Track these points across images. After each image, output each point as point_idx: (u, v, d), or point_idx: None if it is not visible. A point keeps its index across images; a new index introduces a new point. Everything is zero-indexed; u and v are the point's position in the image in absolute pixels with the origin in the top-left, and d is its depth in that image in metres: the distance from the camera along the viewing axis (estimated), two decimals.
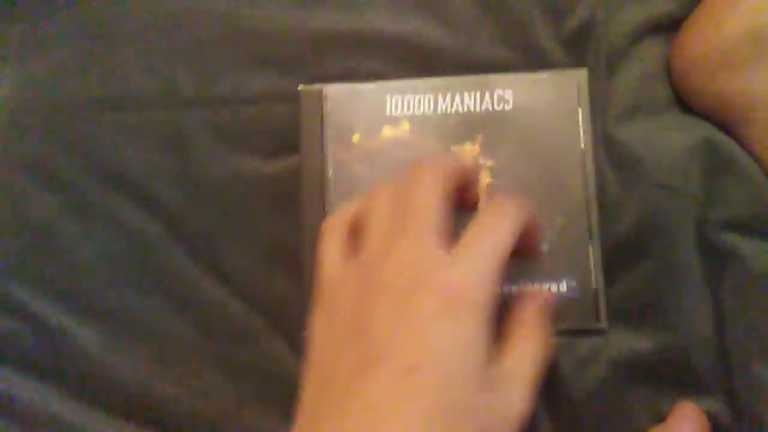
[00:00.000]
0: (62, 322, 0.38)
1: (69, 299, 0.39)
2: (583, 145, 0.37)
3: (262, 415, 0.37)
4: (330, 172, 0.38)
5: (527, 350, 0.30)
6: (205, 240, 0.39)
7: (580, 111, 0.37)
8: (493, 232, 0.29)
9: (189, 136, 0.39)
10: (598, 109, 0.37)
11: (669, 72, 0.38)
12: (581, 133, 0.37)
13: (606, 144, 0.37)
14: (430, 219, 0.29)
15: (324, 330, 0.30)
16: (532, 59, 0.38)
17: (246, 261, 0.38)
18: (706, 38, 0.36)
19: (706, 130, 0.36)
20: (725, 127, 0.37)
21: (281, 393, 0.37)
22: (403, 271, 0.28)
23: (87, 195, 0.39)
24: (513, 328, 0.31)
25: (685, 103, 0.38)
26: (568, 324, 0.36)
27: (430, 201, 0.29)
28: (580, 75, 0.37)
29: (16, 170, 0.40)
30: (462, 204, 0.33)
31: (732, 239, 0.35)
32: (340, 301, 0.30)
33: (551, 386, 0.35)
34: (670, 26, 0.38)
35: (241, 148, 0.39)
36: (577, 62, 0.38)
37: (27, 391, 0.38)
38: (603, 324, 0.36)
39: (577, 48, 0.38)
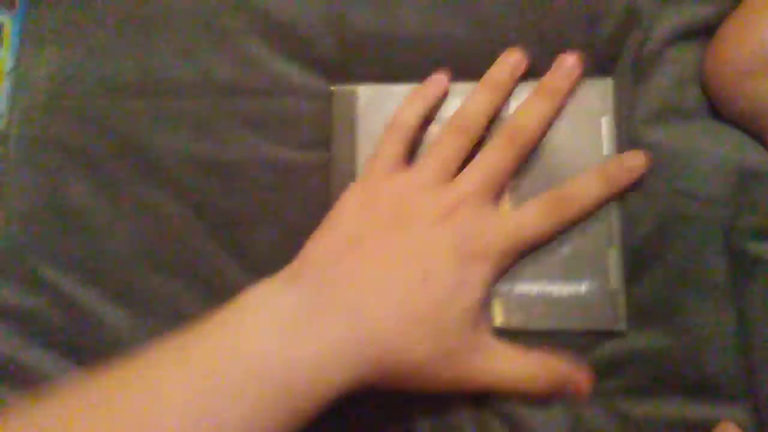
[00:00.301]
0: (92, 302, 0.39)
1: (99, 281, 0.39)
2: (606, 152, 0.37)
3: None
4: (360, 172, 0.38)
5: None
6: (234, 227, 0.39)
7: (603, 120, 0.37)
8: None
9: (222, 124, 0.40)
10: (625, 113, 0.37)
11: (701, 77, 0.38)
12: (604, 141, 0.37)
13: (632, 146, 0.36)
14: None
15: (356, 202, 0.35)
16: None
17: (274, 249, 0.39)
18: (740, 43, 0.36)
19: (737, 136, 0.36)
20: (755, 133, 0.36)
21: None
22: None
23: (120, 179, 0.40)
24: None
25: (716, 108, 0.37)
26: (587, 325, 0.36)
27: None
28: (606, 84, 0.38)
29: (52, 152, 0.41)
30: None
31: (760, 247, 0.35)
32: (382, 191, 0.35)
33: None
34: (703, 32, 0.38)
35: (273, 139, 0.40)
36: (607, 68, 0.38)
37: (56, 370, 0.39)
38: (622, 326, 0.36)
39: (609, 53, 0.38)
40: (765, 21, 0.36)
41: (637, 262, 0.36)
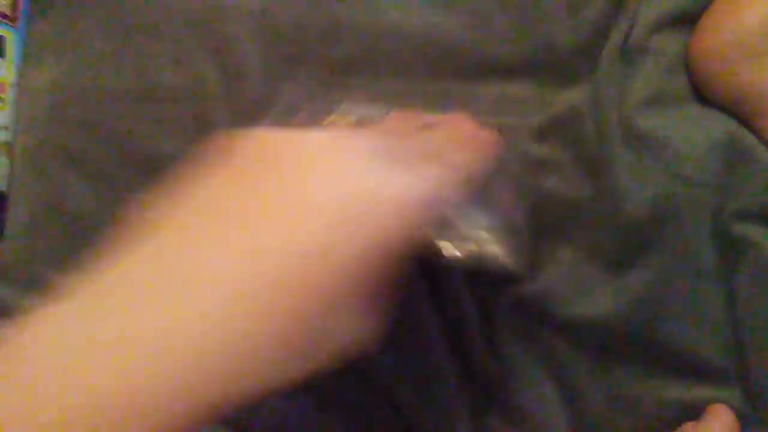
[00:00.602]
0: None
1: None
2: None
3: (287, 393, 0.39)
4: None
5: None
6: None
7: None
8: None
9: (217, 129, 0.41)
10: (615, 99, 0.38)
11: (687, 64, 0.38)
12: None
13: (624, 131, 0.37)
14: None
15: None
16: (544, 55, 0.39)
17: None
18: (724, 29, 0.37)
19: (725, 122, 0.37)
20: (742, 118, 0.37)
21: None
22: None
23: (122, 184, 0.41)
24: None
25: (702, 95, 0.38)
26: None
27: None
28: None
29: (54, 159, 0.41)
30: None
31: (747, 229, 0.35)
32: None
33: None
34: (688, 20, 0.39)
35: None
36: (591, 55, 0.39)
37: None
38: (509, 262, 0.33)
39: (592, 40, 0.39)
40: (745, 9, 0.37)
41: (630, 245, 0.37)
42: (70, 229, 0.41)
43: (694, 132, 0.37)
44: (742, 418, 0.35)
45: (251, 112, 0.41)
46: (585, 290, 0.37)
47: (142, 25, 0.42)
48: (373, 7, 0.40)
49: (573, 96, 0.39)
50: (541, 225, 0.38)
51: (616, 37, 0.38)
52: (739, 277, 0.35)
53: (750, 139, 0.36)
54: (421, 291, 0.37)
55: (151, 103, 0.41)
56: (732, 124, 0.37)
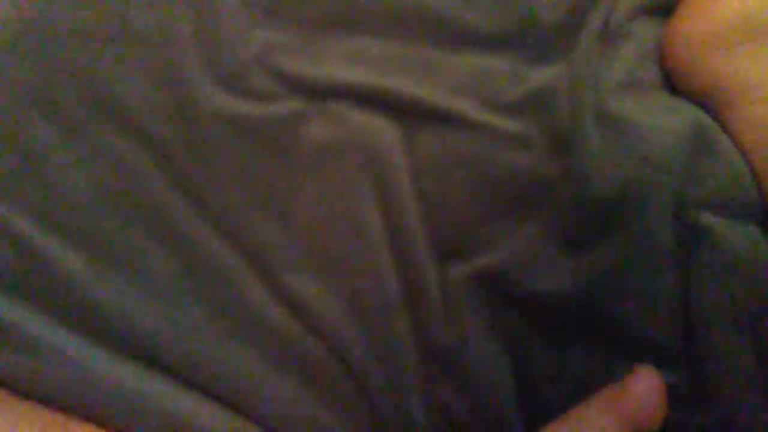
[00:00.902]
0: (49, 246, 0.38)
1: (57, 225, 0.38)
2: None
3: (242, 356, 0.38)
4: None
5: None
6: (195, 179, 0.39)
7: None
8: None
9: (187, 75, 0.39)
10: (590, 80, 0.38)
11: (661, 51, 0.39)
12: None
13: (597, 113, 0.37)
14: None
15: None
16: (524, 30, 0.39)
17: (233, 202, 0.39)
18: (698, 19, 0.37)
19: (695, 112, 0.37)
20: (711, 109, 0.38)
21: (261, 337, 0.38)
22: None
23: (82, 125, 0.39)
24: None
25: (673, 83, 0.39)
26: None
27: None
28: None
29: (12, 95, 0.39)
30: None
31: (707, 218, 0.36)
32: None
33: None
34: (666, 8, 0.39)
35: (237, 91, 0.39)
36: (571, 36, 0.39)
37: (10, 312, 0.38)
38: None
39: (573, 21, 0.39)
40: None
41: (593, 225, 0.37)
42: (27, 164, 0.39)
43: (664, 119, 0.37)
44: (687, 402, 0.36)
45: (221, 60, 0.39)
46: (545, 266, 0.37)
47: None
48: None
49: (549, 73, 0.39)
50: (505, 199, 0.38)
51: (596, 18, 0.38)
52: (695, 264, 0.36)
53: (716, 130, 0.37)
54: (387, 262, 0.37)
55: (116, 44, 0.40)
56: (700, 115, 0.37)
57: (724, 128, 0.37)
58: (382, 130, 0.38)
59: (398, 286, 0.37)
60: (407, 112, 0.39)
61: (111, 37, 0.40)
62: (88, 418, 0.38)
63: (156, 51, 0.40)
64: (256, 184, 0.39)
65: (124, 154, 0.39)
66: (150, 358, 0.38)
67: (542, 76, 0.39)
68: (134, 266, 0.39)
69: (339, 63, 0.39)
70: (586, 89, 0.38)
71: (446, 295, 0.37)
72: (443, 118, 0.38)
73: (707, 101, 0.38)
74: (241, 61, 0.39)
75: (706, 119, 0.37)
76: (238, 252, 0.39)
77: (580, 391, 0.37)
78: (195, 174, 0.39)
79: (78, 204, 0.39)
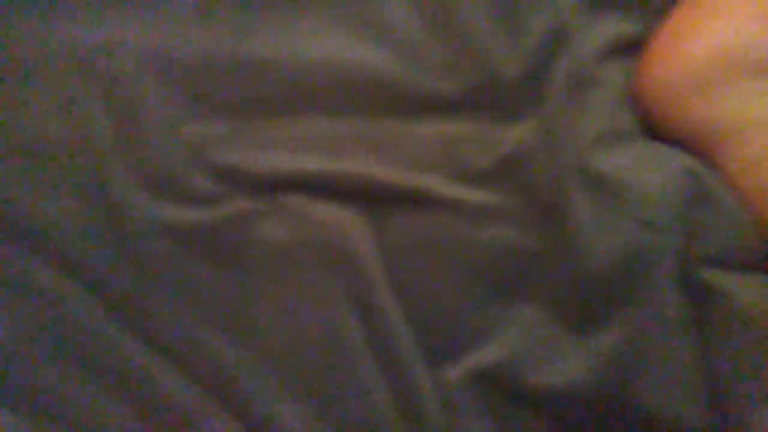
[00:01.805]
0: None
1: None
2: None
3: None
4: None
5: None
6: (135, 304, 0.34)
7: None
8: None
9: (111, 185, 0.34)
10: (569, 137, 0.34)
11: (634, 98, 0.36)
12: None
13: (580, 173, 0.34)
14: None
15: None
16: (484, 88, 0.35)
17: (184, 326, 0.33)
18: (671, 62, 0.35)
19: (684, 159, 0.34)
20: (698, 153, 0.35)
21: None
22: None
23: (5, 260, 0.34)
24: None
25: (653, 129, 0.36)
26: None
27: None
28: None
29: None
30: None
31: (715, 276, 0.33)
32: None
33: None
34: (630, 49, 0.36)
35: (171, 196, 0.34)
36: (538, 79, 0.35)
37: None
38: None
39: (537, 72, 0.35)
40: (690, 39, 0.35)
41: (596, 303, 0.33)
42: None
43: (650, 172, 0.34)
44: None
45: (148, 163, 0.34)
46: (552, 355, 0.33)
47: (16, 67, 0.35)
48: (289, 39, 0.35)
49: (520, 133, 0.35)
50: (493, 280, 0.34)
51: (561, 66, 0.35)
52: (710, 330, 0.33)
53: (709, 177, 0.34)
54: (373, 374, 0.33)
55: (27, 158, 0.34)
56: (688, 161, 0.34)
57: (715, 173, 0.34)
58: (347, 222, 0.34)
59: (388, 399, 0.33)
60: (371, 198, 0.34)
61: (21, 151, 0.34)
62: None
63: (74, 161, 0.34)
64: (207, 301, 0.34)
65: (50, 285, 0.33)
66: None
67: (513, 136, 0.35)
68: (76, 418, 0.33)
69: (286, 150, 0.34)
70: (565, 147, 0.34)
71: (443, 402, 0.33)
72: (410, 199, 0.34)
73: (693, 145, 0.35)
74: (171, 161, 0.34)
75: (696, 166, 0.34)
76: (197, 385, 0.33)
77: None
78: (135, 298, 0.34)
79: (3, 353, 0.33)
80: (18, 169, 0.34)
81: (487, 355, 0.33)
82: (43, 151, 0.34)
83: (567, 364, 0.33)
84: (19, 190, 0.34)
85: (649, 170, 0.34)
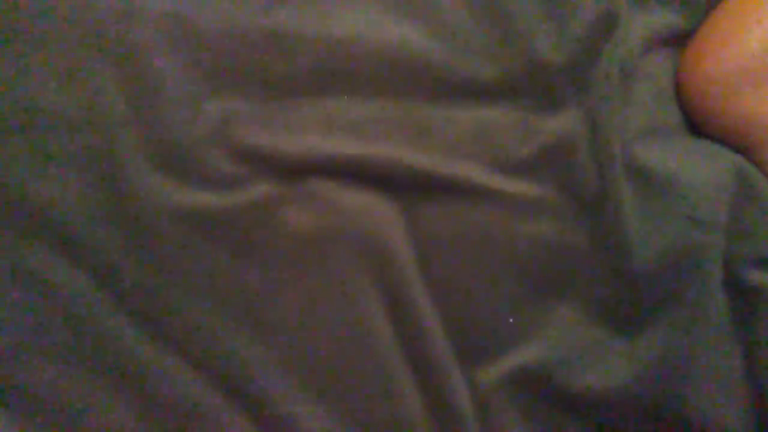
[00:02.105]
0: None
1: None
2: None
3: None
4: None
5: None
6: (145, 295, 0.31)
7: None
8: None
9: (122, 163, 0.31)
10: (616, 129, 0.32)
11: (679, 93, 0.34)
12: None
13: (627, 169, 0.32)
14: None
15: None
16: (527, 74, 0.33)
17: (198, 320, 0.31)
18: (725, 56, 0.33)
19: (732, 157, 0.33)
20: (743, 150, 0.34)
21: None
22: None
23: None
24: None
25: (697, 124, 0.34)
26: None
27: None
28: None
29: None
30: None
31: (758, 277, 0.32)
32: None
33: None
34: (676, 39, 0.35)
35: (188, 178, 0.32)
36: (583, 67, 0.33)
37: None
38: None
39: (582, 60, 0.33)
40: (748, 31, 0.33)
41: (643, 302, 0.32)
42: None
43: (699, 168, 0.32)
44: None
45: (164, 142, 0.31)
46: (593, 358, 0.31)
47: (19, 34, 0.31)
48: (324, 14, 0.32)
49: (564, 122, 0.33)
50: (532, 278, 0.32)
51: (608, 56, 0.33)
52: (755, 332, 0.31)
53: (756, 175, 0.33)
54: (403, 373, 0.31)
55: (28, 132, 0.31)
56: (738, 159, 0.33)
57: (762, 170, 0.33)
58: (378, 210, 0.32)
59: (419, 400, 0.31)
60: (404, 185, 0.32)
61: (20, 125, 0.31)
62: None
63: (79, 136, 0.31)
64: (224, 293, 0.31)
65: (54, 275, 0.31)
66: None
67: (556, 126, 0.33)
68: (81, 418, 0.30)
69: (316, 132, 0.32)
70: (612, 139, 0.32)
71: (478, 405, 0.31)
72: (446, 188, 0.32)
73: (738, 141, 0.33)
74: (191, 140, 0.32)
75: (744, 164, 0.33)
76: (209, 384, 0.31)
77: None
78: (145, 290, 0.31)
79: (4, 350, 0.31)
80: (14, 145, 0.31)
81: (524, 356, 0.31)
82: (43, 125, 0.31)
83: (609, 368, 0.31)
84: (16, 169, 0.31)
85: (697, 166, 0.32)
